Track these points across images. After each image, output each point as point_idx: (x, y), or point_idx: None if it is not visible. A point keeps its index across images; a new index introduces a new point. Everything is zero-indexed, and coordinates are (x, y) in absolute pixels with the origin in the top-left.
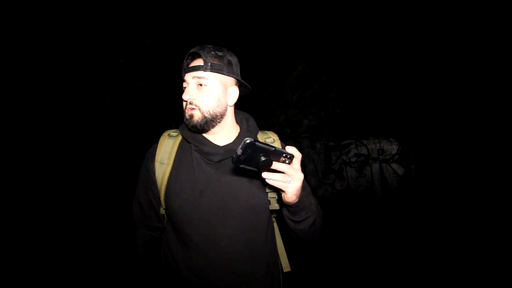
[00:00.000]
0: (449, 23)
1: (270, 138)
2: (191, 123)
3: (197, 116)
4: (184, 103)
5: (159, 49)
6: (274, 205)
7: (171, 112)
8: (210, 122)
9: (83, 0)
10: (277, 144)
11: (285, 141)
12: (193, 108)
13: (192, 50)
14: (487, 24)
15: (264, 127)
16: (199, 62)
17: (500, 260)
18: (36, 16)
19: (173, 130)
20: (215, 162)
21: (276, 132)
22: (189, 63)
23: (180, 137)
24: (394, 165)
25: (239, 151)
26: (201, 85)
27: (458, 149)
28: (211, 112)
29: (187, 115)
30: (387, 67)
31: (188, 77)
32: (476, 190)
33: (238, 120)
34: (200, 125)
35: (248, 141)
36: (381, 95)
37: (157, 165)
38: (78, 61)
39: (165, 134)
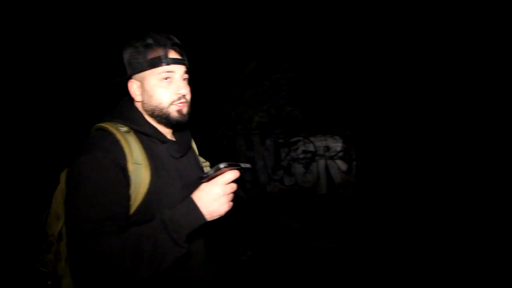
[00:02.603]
0: (395, 22)
1: None
2: (184, 119)
3: (186, 110)
4: (171, 96)
5: None
6: None
7: None
8: None
9: None
10: None
11: (236, 138)
12: (185, 102)
13: (175, 40)
14: (429, 16)
15: (215, 123)
16: (182, 55)
17: (442, 258)
18: (29, 10)
19: (119, 125)
20: (179, 157)
21: (227, 128)
22: (177, 54)
23: (132, 133)
24: (339, 162)
25: (211, 172)
26: (185, 79)
27: (398, 147)
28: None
29: (176, 111)
30: (336, 68)
31: (179, 69)
32: (416, 186)
33: None
34: (186, 120)
35: (222, 166)
36: (328, 95)
37: (132, 166)
38: (73, 57)
39: (113, 129)
